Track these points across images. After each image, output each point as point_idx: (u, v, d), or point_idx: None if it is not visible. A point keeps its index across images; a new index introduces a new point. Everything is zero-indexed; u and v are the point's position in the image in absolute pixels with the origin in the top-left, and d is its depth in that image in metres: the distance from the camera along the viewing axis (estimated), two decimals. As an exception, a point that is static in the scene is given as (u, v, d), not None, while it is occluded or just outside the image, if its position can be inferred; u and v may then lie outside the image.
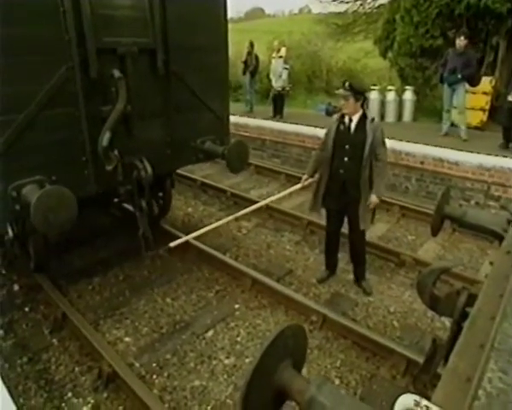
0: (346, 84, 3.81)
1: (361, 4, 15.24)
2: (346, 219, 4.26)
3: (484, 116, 8.78)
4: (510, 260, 1.61)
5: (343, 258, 4.75)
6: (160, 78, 4.03)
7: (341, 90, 3.83)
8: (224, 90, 4.84)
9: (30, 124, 3.17)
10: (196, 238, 4.40)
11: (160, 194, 5.39)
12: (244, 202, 6.41)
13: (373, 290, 4.34)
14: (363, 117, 3.85)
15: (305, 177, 4.20)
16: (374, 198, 3.91)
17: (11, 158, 3.11)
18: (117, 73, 3.56)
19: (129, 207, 5.17)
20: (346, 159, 3.89)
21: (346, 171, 3.91)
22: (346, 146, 3.88)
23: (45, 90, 3.19)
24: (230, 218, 4.29)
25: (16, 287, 4.41)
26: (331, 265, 4.56)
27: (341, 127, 3.91)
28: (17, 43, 3.00)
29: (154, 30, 3.85)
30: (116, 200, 4.89)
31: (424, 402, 0.74)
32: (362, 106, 3.86)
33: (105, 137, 3.51)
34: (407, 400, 0.76)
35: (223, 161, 4.56)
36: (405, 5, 9.32)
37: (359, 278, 4.40)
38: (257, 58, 10.75)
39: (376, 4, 14.72)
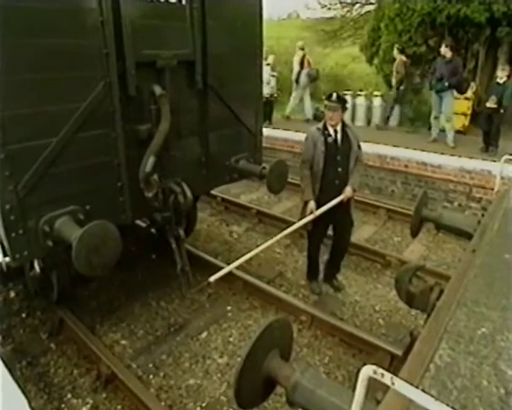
0: (334, 96, 3.79)
1: (348, 11, 15.56)
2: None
3: (466, 121, 9.08)
4: (473, 258, 1.79)
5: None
6: (197, 92, 3.77)
7: (332, 103, 3.78)
8: (258, 103, 4.51)
9: (64, 148, 2.88)
10: (187, 242, 4.48)
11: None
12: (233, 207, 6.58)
13: (349, 288, 4.53)
14: (343, 125, 3.96)
15: (311, 204, 3.90)
16: (349, 189, 3.93)
17: (43, 187, 2.81)
18: (158, 90, 3.32)
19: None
20: (339, 169, 3.94)
21: (341, 180, 3.95)
22: (338, 157, 3.92)
23: (82, 109, 2.92)
24: (270, 242, 3.73)
25: (12, 294, 4.49)
26: (318, 270, 4.62)
27: (329, 139, 3.89)
28: (52, 56, 2.71)
29: (193, 40, 3.55)
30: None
31: (380, 371, 0.91)
32: None
33: (149, 162, 3.23)
34: (368, 370, 0.94)
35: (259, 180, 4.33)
36: (389, 14, 9.63)
37: (334, 275, 4.58)
38: None
39: (363, 11, 15.07)
